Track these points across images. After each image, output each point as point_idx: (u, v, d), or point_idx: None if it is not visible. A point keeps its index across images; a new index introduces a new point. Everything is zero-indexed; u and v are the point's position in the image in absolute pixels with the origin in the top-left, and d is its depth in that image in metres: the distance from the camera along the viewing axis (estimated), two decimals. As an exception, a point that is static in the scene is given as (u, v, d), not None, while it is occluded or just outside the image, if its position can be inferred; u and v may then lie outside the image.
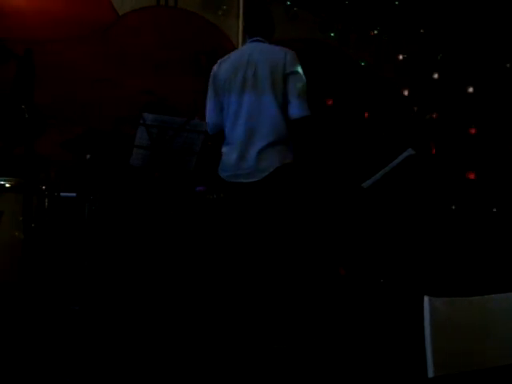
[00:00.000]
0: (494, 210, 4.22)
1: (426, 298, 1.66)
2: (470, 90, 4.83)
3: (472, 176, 4.34)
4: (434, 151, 4.42)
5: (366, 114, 4.65)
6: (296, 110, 3.24)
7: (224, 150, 3.35)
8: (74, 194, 3.62)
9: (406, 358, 2.75)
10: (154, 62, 5.22)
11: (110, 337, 3.14)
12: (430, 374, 1.61)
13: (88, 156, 3.70)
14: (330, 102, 3.41)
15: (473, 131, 4.58)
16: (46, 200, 2.92)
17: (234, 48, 5.52)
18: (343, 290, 3.55)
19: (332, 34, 5.26)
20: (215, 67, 3.47)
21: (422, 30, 5.05)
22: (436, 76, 4.96)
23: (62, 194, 3.24)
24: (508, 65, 4.85)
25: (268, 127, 3.30)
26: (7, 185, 2.86)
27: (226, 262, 3.40)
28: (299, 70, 3.28)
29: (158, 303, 3.32)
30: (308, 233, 3.21)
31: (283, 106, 3.25)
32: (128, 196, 3.68)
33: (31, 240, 2.54)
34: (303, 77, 3.28)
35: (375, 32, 5.30)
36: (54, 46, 4.89)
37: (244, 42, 5.43)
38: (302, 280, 3.25)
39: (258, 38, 3.41)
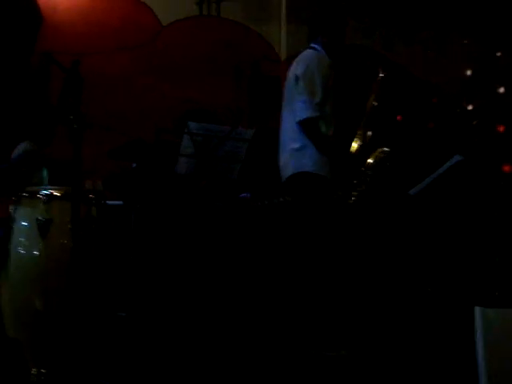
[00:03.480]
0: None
1: (477, 309, 1.62)
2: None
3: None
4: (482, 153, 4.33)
5: (399, 118, 4.60)
6: (297, 113, 3.26)
7: None
8: (120, 203, 3.68)
9: (457, 370, 2.69)
10: (196, 72, 5.28)
11: (155, 343, 3.17)
12: (484, 387, 1.56)
13: (134, 165, 3.76)
14: (369, 108, 3.39)
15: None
16: (94, 208, 2.97)
17: (277, 56, 5.54)
18: (390, 299, 3.49)
19: (375, 39, 5.22)
20: None
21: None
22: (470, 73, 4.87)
23: (108, 202, 3.29)
24: None
25: (285, 138, 3.37)
26: (56, 193, 2.91)
27: (271, 270, 3.40)
28: (303, 70, 3.26)
29: (204, 311, 3.33)
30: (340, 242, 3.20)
31: None
32: (174, 204, 3.72)
33: (79, 248, 2.58)
34: (306, 77, 3.25)
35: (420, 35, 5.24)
36: (100, 57, 5.00)
37: (287, 49, 5.46)
38: (347, 289, 3.21)
39: (311, 45, 3.43)
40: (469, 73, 5.05)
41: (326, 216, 3.21)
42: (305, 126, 3.26)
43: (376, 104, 3.40)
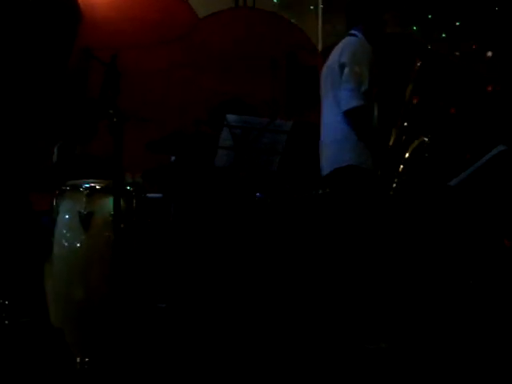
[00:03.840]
0: None
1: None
2: None
3: None
4: None
5: (453, 110, 4.51)
6: (343, 102, 3.13)
7: None
8: (159, 195, 3.72)
9: (500, 365, 2.64)
10: (233, 64, 5.28)
11: (195, 334, 3.20)
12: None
13: (173, 158, 3.78)
14: (416, 100, 3.32)
15: None
16: (134, 201, 3.01)
17: (314, 47, 5.50)
18: (432, 291, 3.45)
19: (414, 28, 5.12)
20: None
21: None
22: None
23: (148, 195, 3.33)
24: None
25: (325, 128, 3.27)
26: (97, 187, 2.96)
27: (311, 262, 3.38)
28: (349, 57, 3.15)
29: (244, 302, 3.34)
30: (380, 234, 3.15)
31: None
32: (213, 196, 3.74)
33: (120, 240, 2.61)
34: (353, 64, 3.13)
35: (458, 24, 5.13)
36: (138, 51, 5.04)
37: (324, 39, 5.40)
38: (387, 281, 3.19)
39: (351, 32, 3.32)
40: (489, 54, 4.92)
41: (368, 208, 3.14)
42: (352, 115, 3.13)
43: (414, 93, 3.33)
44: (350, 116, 3.14)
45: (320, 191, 3.45)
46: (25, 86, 4.50)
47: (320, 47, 5.52)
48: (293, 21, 5.55)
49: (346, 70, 3.14)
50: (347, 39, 3.29)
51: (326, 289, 3.31)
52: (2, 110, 4.20)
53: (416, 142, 3.35)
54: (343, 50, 3.22)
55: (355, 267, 3.10)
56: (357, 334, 3.06)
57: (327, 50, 4.03)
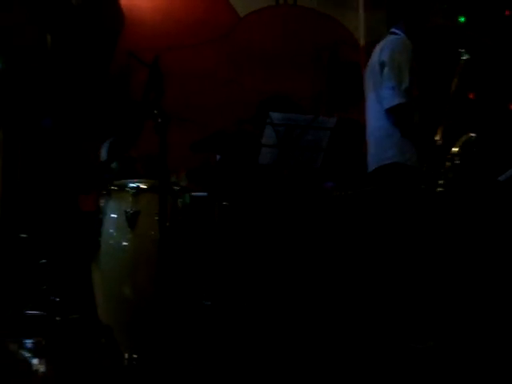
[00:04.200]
0: None
1: None
2: None
3: None
4: None
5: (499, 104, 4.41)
6: (385, 100, 3.17)
7: None
8: (204, 194, 3.75)
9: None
10: (275, 62, 5.28)
11: (240, 332, 3.22)
12: None
13: (218, 157, 3.81)
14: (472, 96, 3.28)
15: None
16: (179, 200, 3.04)
17: (356, 42, 5.45)
18: (481, 289, 3.38)
19: (462, 19, 5.01)
20: None
21: None
22: None
23: (193, 193, 3.36)
24: None
25: (369, 126, 3.31)
26: (143, 186, 3.01)
27: (355, 261, 3.36)
28: (388, 56, 3.18)
29: (288, 301, 3.34)
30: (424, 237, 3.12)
31: None
32: (257, 194, 3.75)
33: (166, 238, 2.64)
34: (393, 62, 3.15)
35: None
36: (180, 52, 5.09)
37: (366, 34, 5.35)
38: (434, 279, 3.14)
39: (392, 30, 3.34)
40: None
41: (414, 206, 3.12)
42: (394, 113, 3.17)
43: (460, 88, 3.27)
44: (392, 113, 3.17)
45: (364, 189, 3.43)
46: (70, 89, 4.59)
47: (362, 42, 5.47)
48: (334, 16, 5.51)
49: (386, 68, 3.17)
50: (388, 38, 3.32)
51: (372, 288, 3.29)
52: (52, 113, 4.31)
53: (463, 138, 3.29)
54: (383, 48, 3.26)
55: (402, 266, 3.07)
56: (404, 334, 3.03)
57: (370, 44, 3.99)
